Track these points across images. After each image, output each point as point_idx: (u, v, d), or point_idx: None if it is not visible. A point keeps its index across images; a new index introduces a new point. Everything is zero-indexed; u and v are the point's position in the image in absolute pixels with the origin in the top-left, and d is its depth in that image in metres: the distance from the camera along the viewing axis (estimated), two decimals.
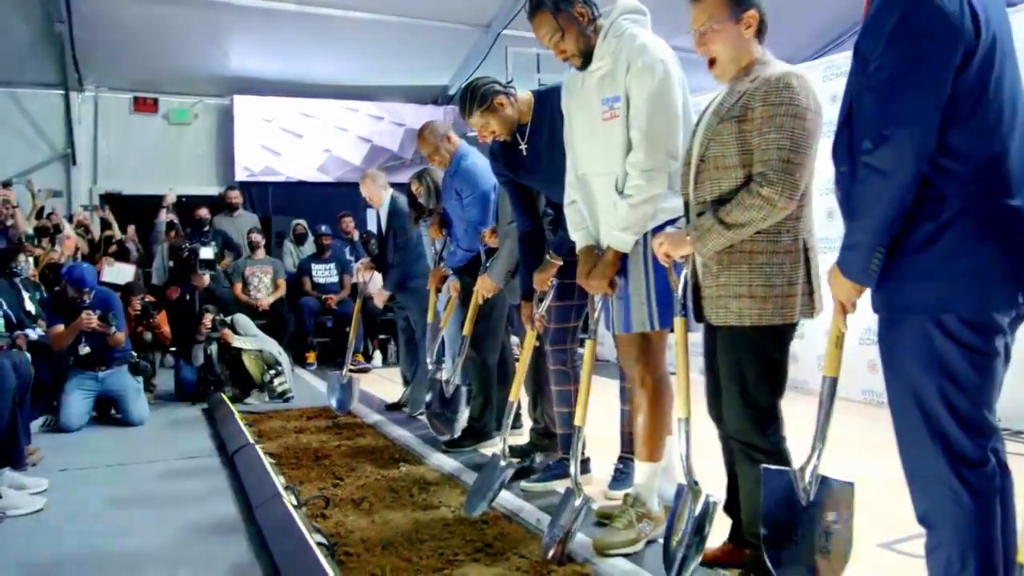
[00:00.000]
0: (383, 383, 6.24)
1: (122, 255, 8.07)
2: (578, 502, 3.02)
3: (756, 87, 2.47)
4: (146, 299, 7.09)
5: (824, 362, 2.29)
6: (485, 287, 4.40)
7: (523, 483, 3.86)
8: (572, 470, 3.14)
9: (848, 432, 3.73)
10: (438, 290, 5.17)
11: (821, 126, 2.51)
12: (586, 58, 3.10)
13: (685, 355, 2.77)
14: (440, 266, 5.14)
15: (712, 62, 2.58)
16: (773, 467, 2.41)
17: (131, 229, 9.41)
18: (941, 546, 1.98)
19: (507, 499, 3.69)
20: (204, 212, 9.11)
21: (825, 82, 5.89)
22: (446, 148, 4.88)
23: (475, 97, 3.67)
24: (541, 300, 3.56)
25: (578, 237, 3.27)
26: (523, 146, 3.70)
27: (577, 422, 3.22)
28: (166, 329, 7.26)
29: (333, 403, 5.82)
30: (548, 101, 3.62)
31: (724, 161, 2.52)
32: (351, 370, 5.97)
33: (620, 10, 3.07)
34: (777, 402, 2.58)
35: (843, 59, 5.93)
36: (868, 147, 1.93)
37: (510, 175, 3.83)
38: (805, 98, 2.45)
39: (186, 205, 9.70)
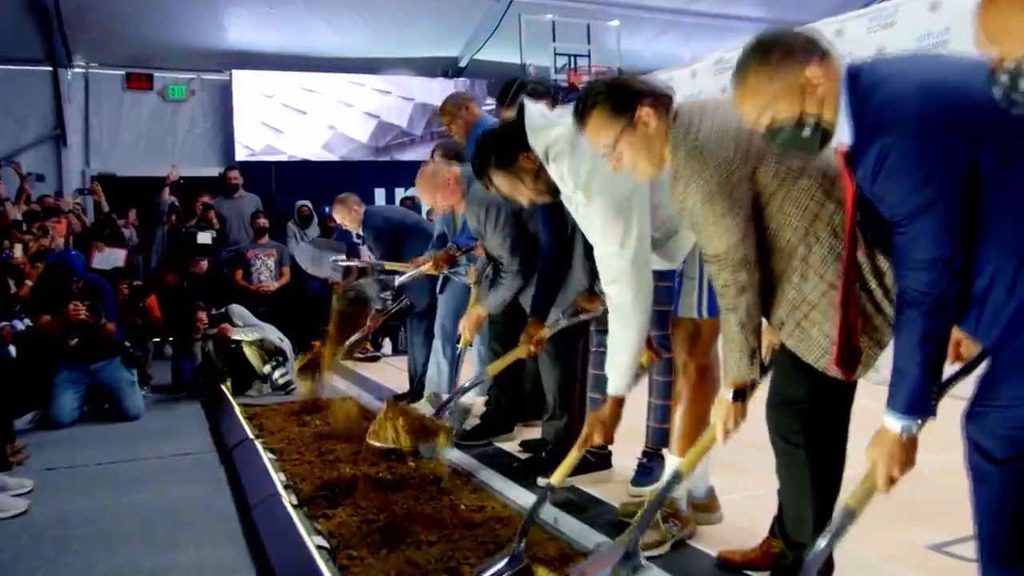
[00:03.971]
0: (393, 372, 6.14)
1: (114, 239, 8.00)
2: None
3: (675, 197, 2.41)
4: (134, 283, 7.00)
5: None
6: (475, 318, 4.28)
7: (540, 479, 3.75)
8: None
9: None
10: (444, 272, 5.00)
11: (741, 155, 2.33)
12: (555, 190, 3.13)
13: None
14: (449, 247, 4.99)
15: (633, 169, 2.53)
16: None
17: (132, 213, 9.35)
18: None
19: (522, 496, 3.60)
20: (206, 199, 9.04)
21: (870, 33, 5.71)
22: (463, 118, 4.78)
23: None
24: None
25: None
26: None
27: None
28: (157, 313, 7.18)
29: None
30: None
31: None
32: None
33: (543, 154, 3.03)
34: None
35: (892, 7, 5.72)
36: (910, 294, 1.91)
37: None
38: (708, 183, 2.32)
39: (184, 187, 9.59)
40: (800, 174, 2.27)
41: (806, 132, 2.01)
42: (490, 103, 12.02)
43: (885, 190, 1.89)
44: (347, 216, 6.03)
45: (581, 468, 3.79)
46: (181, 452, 4.98)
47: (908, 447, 1.96)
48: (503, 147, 3.16)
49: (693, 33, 10.85)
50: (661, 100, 2.47)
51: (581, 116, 2.52)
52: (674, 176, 2.40)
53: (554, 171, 3.02)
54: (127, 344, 6.26)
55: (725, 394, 2.48)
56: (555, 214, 3.65)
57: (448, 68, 11.73)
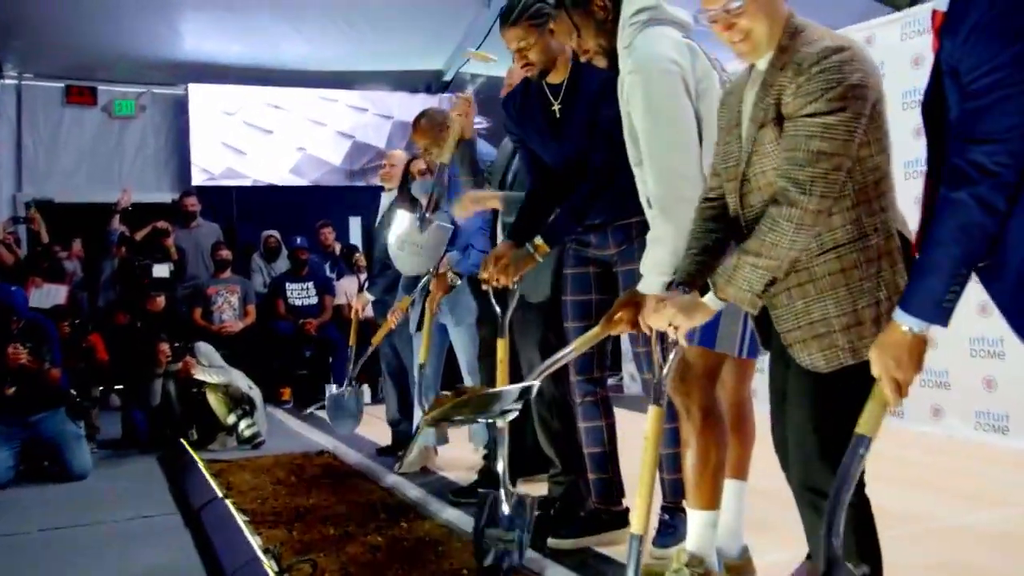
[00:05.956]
0: (375, 423, 6.19)
1: (54, 274, 8.04)
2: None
3: (793, 75, 2.33)
4: (76, 321, 7.04)
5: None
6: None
7: (550, 540, 3.81)
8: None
9: (955, 472, 3.66)
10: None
11: (880, 94, 2.35)
12: (611, 57, 3.19)
13: (655, 450, 2.66)
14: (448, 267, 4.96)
15: (744, 38, 2.43)
16: None
17: (77, 243, 9.38)
18: None
19: (531, 558, 3.64)
20: (161, 224, 9.09)
21: (903, 41, 5.93)
22: (445, 139, 4.86)
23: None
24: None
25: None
26: (556, 107, 3.75)
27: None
28: (102, 354, 7.21)
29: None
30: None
31: (769, 177, 2.40)
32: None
33: (629, 16, 3.11)
34: None
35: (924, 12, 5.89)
36: (964, 170, 1.88)
37: (520, 135, 3.92)
38: (853, 72, 2.28)
39: (133, 215, 9.61)
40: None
41: None
42: (479, 121, 12.12)
43: (972, 45, 1.87)
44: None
45: (594, 528, 3.87)
46: (139, 515, 5.00)
47: (915, 347, 1.95)
48: None
49: (714, 36, 10.95)
50: None
51: None
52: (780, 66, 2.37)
53: (625, 37, 3.08)
54: (73, 392, 6.28)
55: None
56: (535, 160, 3.87)
57: (431, 82, 11.80)
